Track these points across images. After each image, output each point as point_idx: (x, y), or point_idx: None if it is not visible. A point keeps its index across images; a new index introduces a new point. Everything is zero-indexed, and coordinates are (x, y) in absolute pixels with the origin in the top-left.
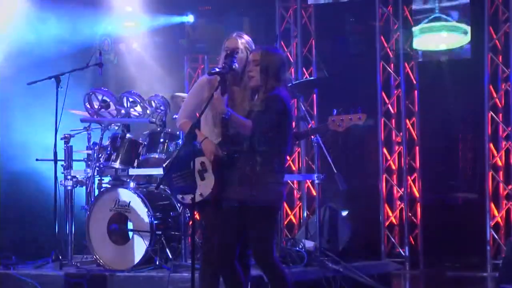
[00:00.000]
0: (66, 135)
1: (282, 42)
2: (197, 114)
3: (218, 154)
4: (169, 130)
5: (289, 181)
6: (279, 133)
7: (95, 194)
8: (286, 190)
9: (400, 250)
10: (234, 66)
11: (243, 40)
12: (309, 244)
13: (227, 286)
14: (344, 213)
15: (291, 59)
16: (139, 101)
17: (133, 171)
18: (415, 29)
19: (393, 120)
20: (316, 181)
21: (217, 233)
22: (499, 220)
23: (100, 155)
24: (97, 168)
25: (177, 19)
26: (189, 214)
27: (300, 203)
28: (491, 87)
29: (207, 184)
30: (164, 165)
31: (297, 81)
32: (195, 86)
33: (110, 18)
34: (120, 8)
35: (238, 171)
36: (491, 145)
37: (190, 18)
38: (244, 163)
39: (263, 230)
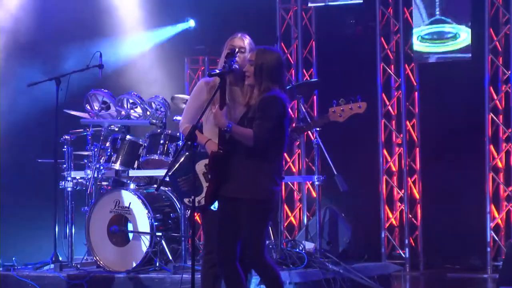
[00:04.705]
0: (66, 137)
1: (282, 44)
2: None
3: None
4: (169, 131)
5: (289, 182)
6: (278, 134)
7: (95, 196)
8: (281, 191)
9: (400, 251)
10: (234, 66)
11: (248, 40)
12: (309, 245)
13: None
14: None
15: (292, 61)
16: (139, 102)
17: (133, 173)
18: (415, 30)
19: (393, 122)
20: (316, 183)
21: (217, 233)
22: (499, 221)
23: (100, 156)
24: (97, 170)
25: (179, 27)
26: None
27: (300, 205)
28: (491, 88)
29: None
30: (168, 170)
31: (298, 83)
32: (194, 90)
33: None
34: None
35: (233, 168)
36: (492, 147)
37: (191, 23)
38: (240, 161)
39: (254, 229)
